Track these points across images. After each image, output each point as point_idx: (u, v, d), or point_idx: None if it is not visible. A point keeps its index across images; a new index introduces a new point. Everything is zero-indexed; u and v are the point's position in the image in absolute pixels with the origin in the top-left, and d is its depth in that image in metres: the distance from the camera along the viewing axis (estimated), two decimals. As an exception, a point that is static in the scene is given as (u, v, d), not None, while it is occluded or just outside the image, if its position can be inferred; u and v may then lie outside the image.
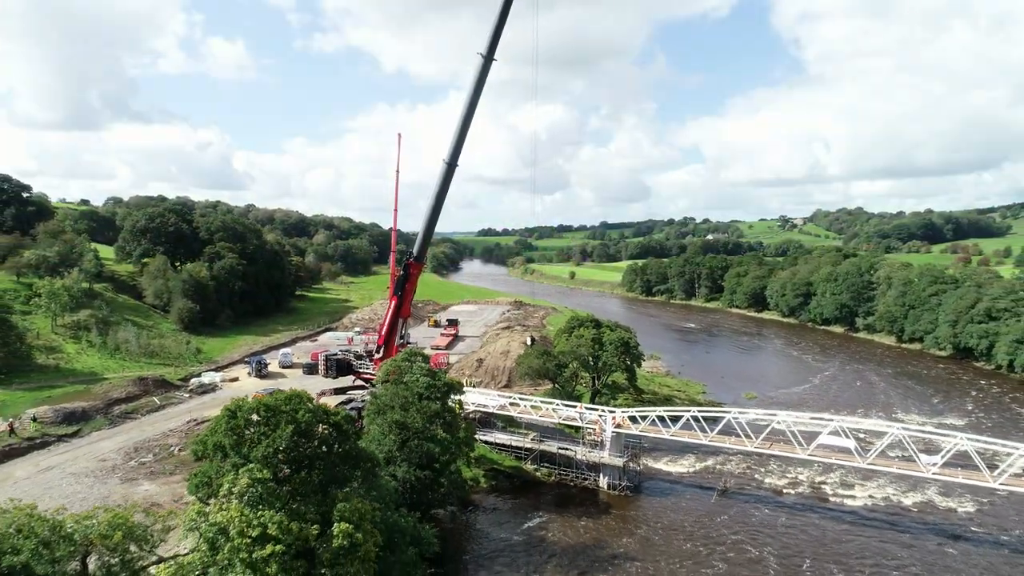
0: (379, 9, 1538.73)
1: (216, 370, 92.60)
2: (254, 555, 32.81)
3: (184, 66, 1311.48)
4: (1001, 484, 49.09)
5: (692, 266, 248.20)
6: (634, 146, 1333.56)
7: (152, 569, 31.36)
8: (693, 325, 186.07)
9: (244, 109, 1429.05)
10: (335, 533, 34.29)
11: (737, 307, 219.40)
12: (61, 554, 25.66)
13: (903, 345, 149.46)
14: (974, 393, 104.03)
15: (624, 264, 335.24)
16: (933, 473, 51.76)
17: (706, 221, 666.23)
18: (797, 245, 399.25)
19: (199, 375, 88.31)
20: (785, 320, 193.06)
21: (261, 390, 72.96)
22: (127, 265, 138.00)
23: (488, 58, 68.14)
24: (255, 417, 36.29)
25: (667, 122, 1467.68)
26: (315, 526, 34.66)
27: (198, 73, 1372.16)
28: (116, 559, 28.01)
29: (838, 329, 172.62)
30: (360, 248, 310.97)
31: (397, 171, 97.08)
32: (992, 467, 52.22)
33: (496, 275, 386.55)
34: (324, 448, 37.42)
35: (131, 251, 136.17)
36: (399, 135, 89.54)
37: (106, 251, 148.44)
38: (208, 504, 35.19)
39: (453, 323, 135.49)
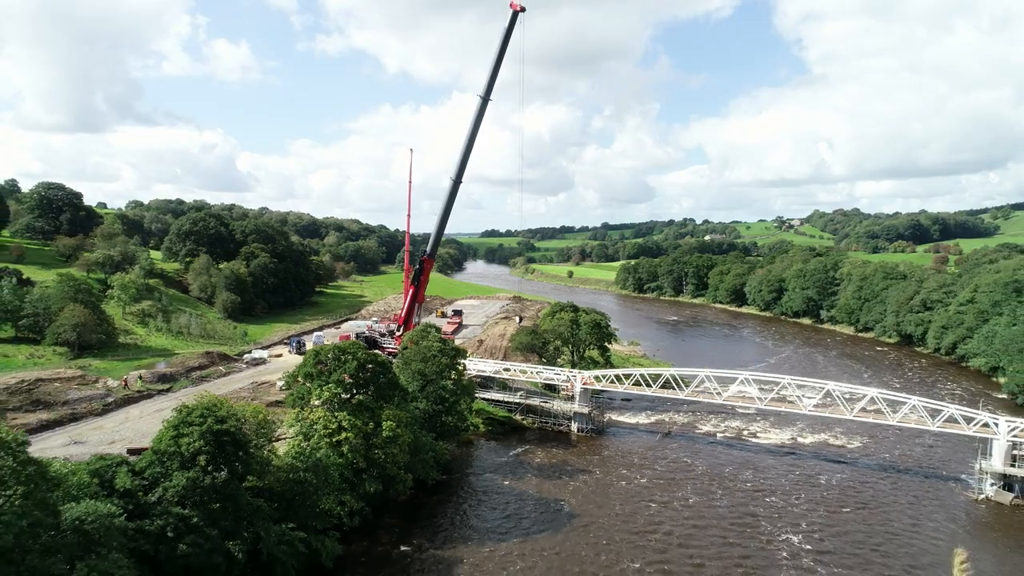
0: (381, 11, 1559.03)
1: (262, 349, 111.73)
2: (333, 439, 52.09)
3: (189, 68, 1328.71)
4: (854, 416, 67.86)
5: (680, 265, 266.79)
6: (638, 147, 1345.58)
7: (274, 443, 50.46)
8: (676, 318, 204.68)
9: (248, 111, 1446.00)
10: (384, 427, 53.53)
11: (720, 303, 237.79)
12: (238, 418, 44.53)
13: (859, 334, 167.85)
14: (899, 370, 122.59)
15: (620, 264, 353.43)
16: (809, 410, 70.57)
17: (706, 222, 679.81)
18: (789, 245, 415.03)
19: (250, 352, 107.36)
20: (761, 314, 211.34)
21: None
22: (173, 264, 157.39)
23: (485, 99, 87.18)
24: (330, 355, 55.29)
25: (670, 123, 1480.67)
26: (371, 424, 53.77)
27: (202, 75, 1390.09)
28: (259, 431, 46.83)
29: (806, 321, 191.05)
30: (369, 249, 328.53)
31: (409, 182, 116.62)
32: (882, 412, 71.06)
33: (498, 275, 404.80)
34: (374, 377, 56.35)
35: (177, 251, 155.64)
36: (411, 150, 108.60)
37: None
38: (302, 410, 54.22)
39: (458, 313, 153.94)
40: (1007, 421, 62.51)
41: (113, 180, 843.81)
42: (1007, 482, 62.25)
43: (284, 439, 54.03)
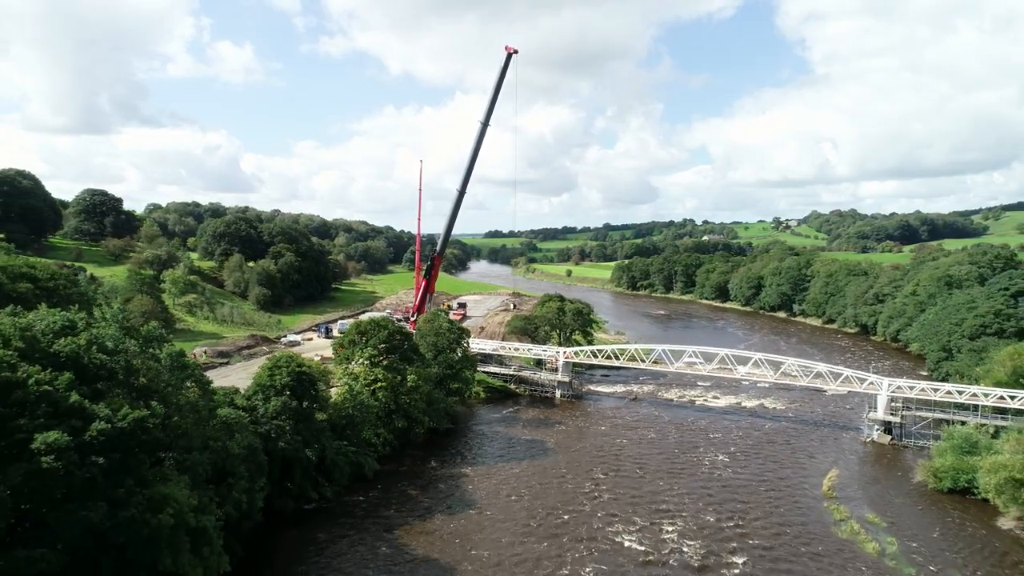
0: (383, 12, 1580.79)
1: (296, 334, 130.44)
2: (371, 388, 70.52)
3: (193, 70, 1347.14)
4: (774, 380, 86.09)
5: (670, 264, 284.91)
6: (641, 147, 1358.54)
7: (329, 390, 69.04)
8: (663, 312, 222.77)
9: (252, 112, 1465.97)
10: (408, 380, 72.01)
11: (706, 299, 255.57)
12: (309, 367, 62.96)
13: (825, 325, 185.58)
14: (846, 353, 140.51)
15: (616, 263, 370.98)
16: (742, 374, 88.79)
17: (705, 223, 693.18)
18: (774, 245, 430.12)
19: (285, 336, 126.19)
20: (742, 308, 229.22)
21: (329, 345, 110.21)
22: (208, 262, 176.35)
23: (484, 124, 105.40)
24: (368, 326, 73.76)
25: (674, 123, 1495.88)
26: (398, 378, 72.23)
27: (206, 77, 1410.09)
28: (321, 377, 65.26)
29: (781, 314, 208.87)
30: (378, 249, 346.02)
31: (420, 190, 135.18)
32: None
33: (500, 274, 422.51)
34: (400, 343, 74.81)
35: (212, 251, 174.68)
36: (420, 161, 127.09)
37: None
38: (347, 367, 72.67)
39: (463, 306, 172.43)
40: (889, 381, 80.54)
41: (118, 181, 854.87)
42: (887, 428, 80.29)
43: (334, 386, 72.51)
